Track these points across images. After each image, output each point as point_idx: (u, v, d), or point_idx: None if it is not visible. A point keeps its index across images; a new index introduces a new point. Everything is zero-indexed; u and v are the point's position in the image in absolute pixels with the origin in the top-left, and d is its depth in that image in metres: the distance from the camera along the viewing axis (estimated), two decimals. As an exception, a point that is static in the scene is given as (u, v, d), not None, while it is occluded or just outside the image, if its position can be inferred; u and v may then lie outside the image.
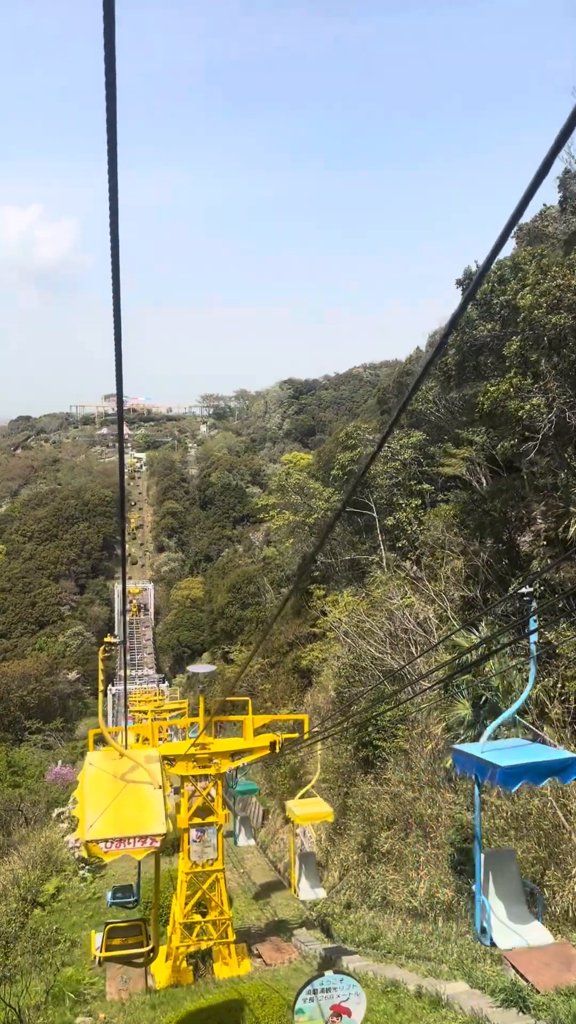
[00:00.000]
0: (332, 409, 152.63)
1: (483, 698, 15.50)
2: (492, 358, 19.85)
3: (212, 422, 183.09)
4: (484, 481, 25.31)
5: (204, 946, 17.17)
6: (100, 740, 13.56)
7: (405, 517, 32.57)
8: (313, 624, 33.13)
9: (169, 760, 16.86)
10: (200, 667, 16.99)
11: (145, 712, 31.88)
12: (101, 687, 12.61)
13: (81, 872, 24.34)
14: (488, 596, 20.69)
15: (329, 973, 8.49)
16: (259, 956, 17.78)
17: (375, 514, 34.44)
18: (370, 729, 21.19)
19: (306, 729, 18.14)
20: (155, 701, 40.90)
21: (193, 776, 16.87)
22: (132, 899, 15.42)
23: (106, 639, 12.58)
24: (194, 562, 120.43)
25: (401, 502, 33.60)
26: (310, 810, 19.04)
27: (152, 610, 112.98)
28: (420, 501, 33.39)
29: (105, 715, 13.31)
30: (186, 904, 16.80)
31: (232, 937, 17.00)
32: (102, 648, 12.57)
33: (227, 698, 19.52)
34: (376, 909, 18.41)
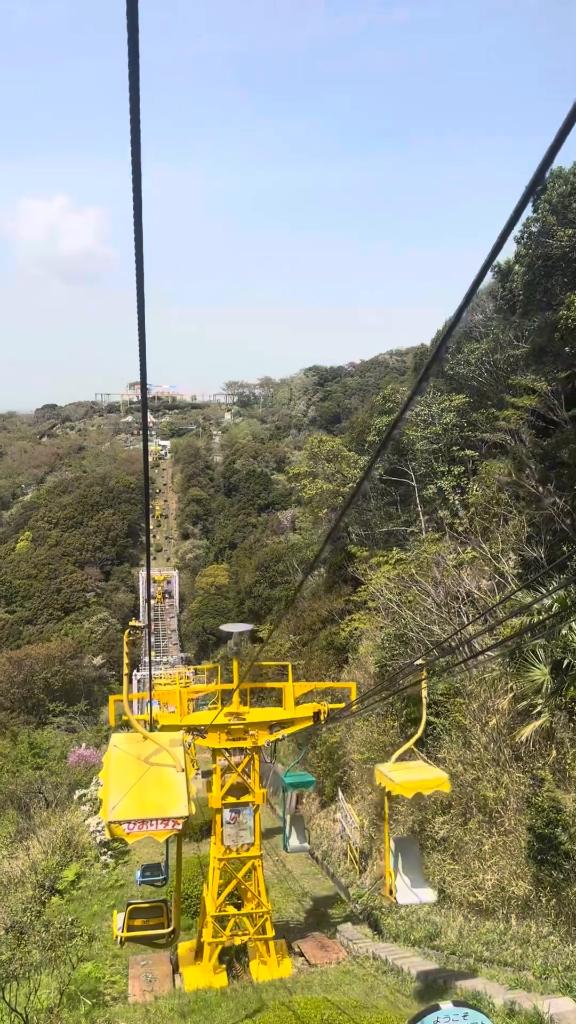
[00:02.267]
0: (357, 396, 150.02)
1: (565, 662, 13.29)
2: (570, 275, 17.47)
3: (237, 409, 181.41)
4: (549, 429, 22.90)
5: (238, 942, 15.21)
6: (124, 725, 13.54)
7: (447, 485, 30.29)
8: (352, 591, 31.02)
9: (199, 731, 14.93)
10: (235, 626, 15.00)
11: (170, 727, 30.01)
12: (126, 670, 12.06)
13: (103, 858, 22.53)
14: (557, 556, 18.41)
15: (448, 1004, 6.40)
16: (301, 954, 15.79)
17: (414, 483, 32.19)
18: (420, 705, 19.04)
19: (353, 696, 16.08)
20: (182, 680, 39.18)
21: (226, 750, 14.88)
22: (161, 878, 14.75)
23: (131, 623, 12.58)
24: (219, 549, 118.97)
25: (442, 469, 31.32)
26: (415, 776, 12.60)
27: (177, 597, 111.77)
28: (463, 468, 31.08)
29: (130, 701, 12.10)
30: (219, 895, 14.83)
31: (271, 933, 15.03)
32: (127, 632, 12.52)
33: (263, 663, 17.49)
34: (431, 903, 16.31)
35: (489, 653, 16.78)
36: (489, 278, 29.13)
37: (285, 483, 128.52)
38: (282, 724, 15.25)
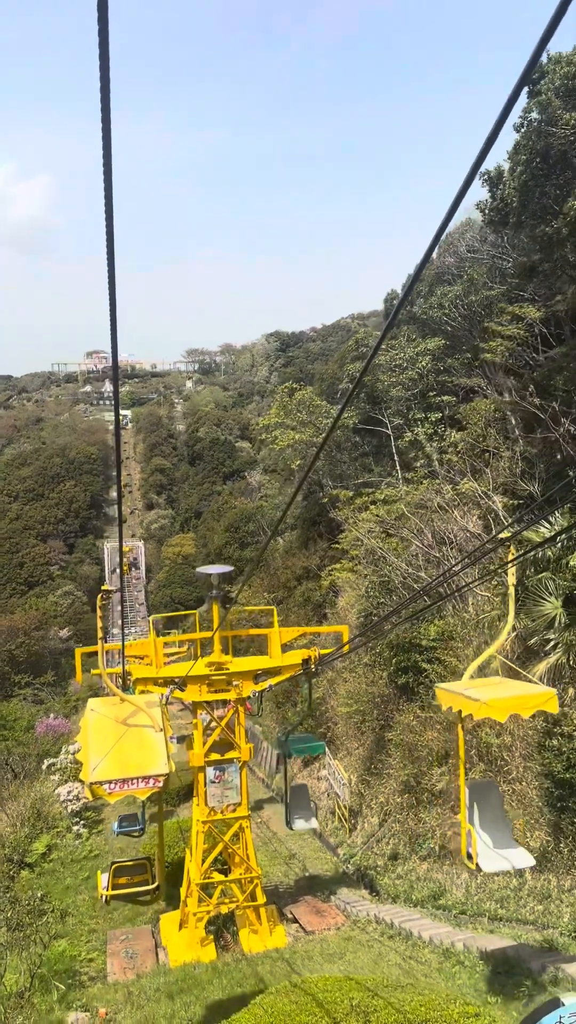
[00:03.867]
0: (320, 361, 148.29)
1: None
2: (570, 175, 16.00)
3: (198, 377, 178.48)
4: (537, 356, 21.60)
5: (225, 910, 13.96)
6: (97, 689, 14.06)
7: (424, 433, 28.98)
8: (329, 545, 29.69)
9: (178, 683, 13.48)
10: (212, 568, 13.53)
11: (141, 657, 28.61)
12: (100, 634, 12.06)
13: (75, 828, 21.14)
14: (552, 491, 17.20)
15: (572, 999, 5.08)
16: (295, 921, 14.62)
17: (389, 431, 30.84)
18: (411, 652, 17.87)
19: (345, 638, 14.77)
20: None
21: (208, 703, 13.47)
22: (138, 827, 14.91)
23: (103, 587, 12.68)
24: (185, 519, 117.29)
25: (418, 416, 29.99)
26: (507, 693, 8.84)
27: (143, 568, 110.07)
28: (440, 415, 29.78)
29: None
30: (203, 861, 13.51)
31: (261, 899, 13.80)
32: (100, 596, 12.65)
33: (247, 607, 16.07)
34: (431, 860, 15.26)
35: (479, 590, 15.59)
36: (474, 193, 27.39)
37: (250, 450, 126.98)
38: (268, 673, 13.89)
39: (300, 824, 14.56)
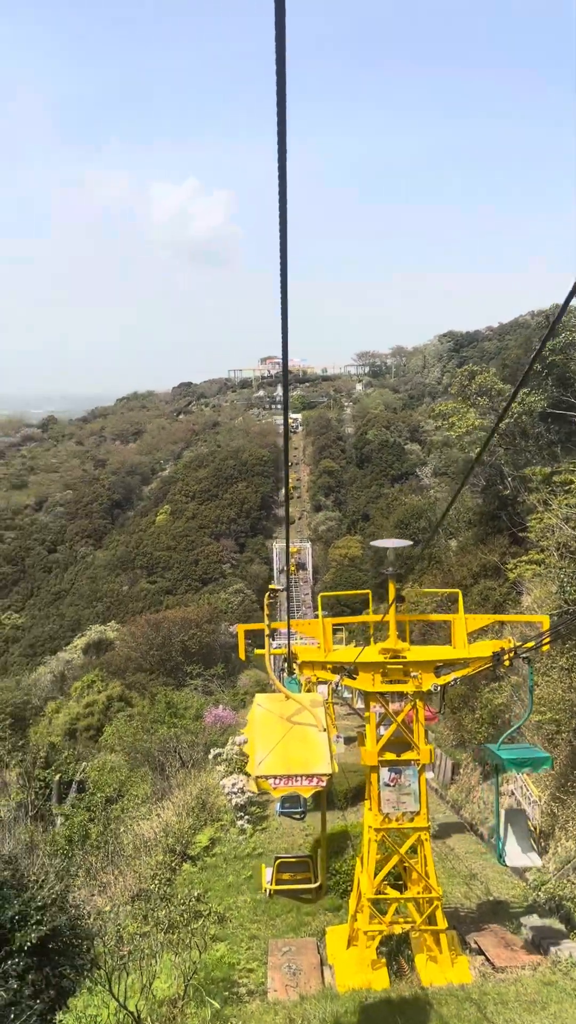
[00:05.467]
0: (496, 361, 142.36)
1: None
2: None
3: (368, 380, 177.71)
4: None
5: (399, 931, 12.34)
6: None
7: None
8: (511, 542, 27.27)
9: (348, 671, 12.08)
10: (389, 541, 12.05)
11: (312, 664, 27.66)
12: (267, 631, 12.25)
13: (239, 823, 20.33)
14: None
15: None
16: (480, 952, 12.71)
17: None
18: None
19: (546, 627, 12.71)
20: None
21: (382, 694, 11.92)
22: (300, 810, 15.02)
23: (271, 587, 13.78)
24: (352, 521, 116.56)
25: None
26: None
27: (310, 569, 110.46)
28: None
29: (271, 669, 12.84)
30: (376, 873, 11.97)
31: (442, 923, 12.03)
32: (267, 594, 13.36)
33: (427, 590, 14.42)
34: None
35: None
36: None
37: (420, 452, 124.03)
38: (451, 665, 12.15)
39: (520, 860, 11.90)
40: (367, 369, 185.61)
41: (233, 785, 21.16)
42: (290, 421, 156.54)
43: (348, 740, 27.87)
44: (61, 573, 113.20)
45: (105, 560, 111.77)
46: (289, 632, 11.16)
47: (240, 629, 13.88)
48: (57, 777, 26.83)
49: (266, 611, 13.10)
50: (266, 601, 13.53)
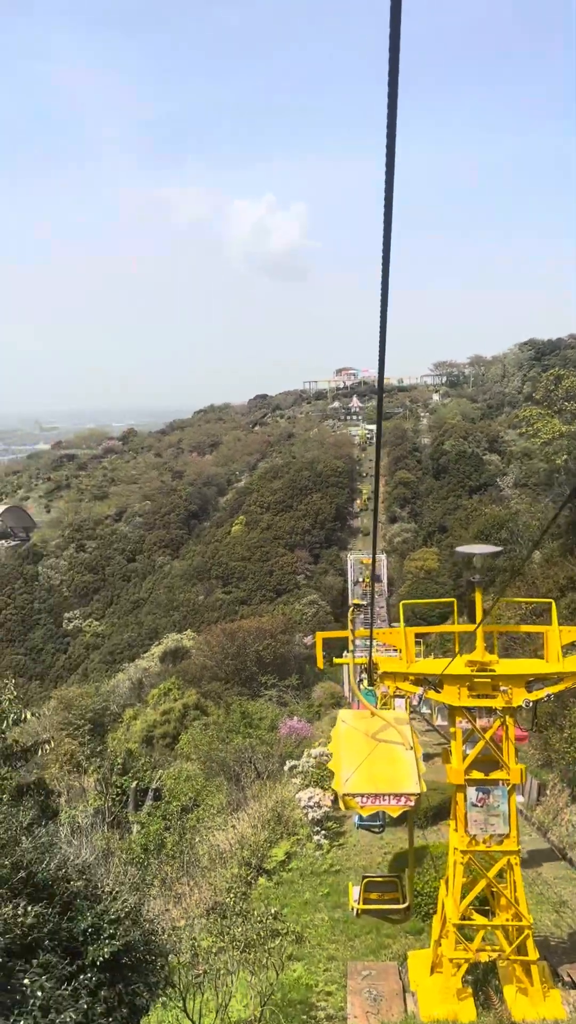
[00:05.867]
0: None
1: None
2: None
3: (445, 390, 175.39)
4: None
5: (486, 959, 11.65)
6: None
7: None
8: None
9: (432, 683, 11.52)
10: (476, 547, 11.48)
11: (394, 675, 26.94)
12: (351, 646, 12.79)
13: (316, 838, 19.85)
14: None
15: None
16: (574, 986, 11.87)
17: None
18: None
19: None
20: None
21: (468, 709, 11.32)
22: (379, 823, 14.78)
23: (354, 601, 13.72)
24: (428, 533, 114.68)
25: None
26: None
27: (385, 581, 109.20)
28: None
29: (347, 681, 11.81)
30: (462, 898, 11.34)
31: (533, 954, 11.30)
32: (351, 609, 13.25)
33: (516, 599, 13.73)
34: None
35: None
36: None
37: (499, 463, 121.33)
38: (543, 680, 11.45)
39: None
40: (444, 379, 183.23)
41: (309, 799, 20.71)
42: (365, 432, 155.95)
43: (426, 757, 27.06)
44: (139, 582, 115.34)
45: (182, 570, 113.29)
46: (371, 641, 10.73)
47: (318, 637, 13.58)
48: (134, 784, 26.93)
49: (350, 627, 12.94)
50: (350, 616, 13.43)
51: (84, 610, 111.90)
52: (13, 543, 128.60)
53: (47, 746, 10.95)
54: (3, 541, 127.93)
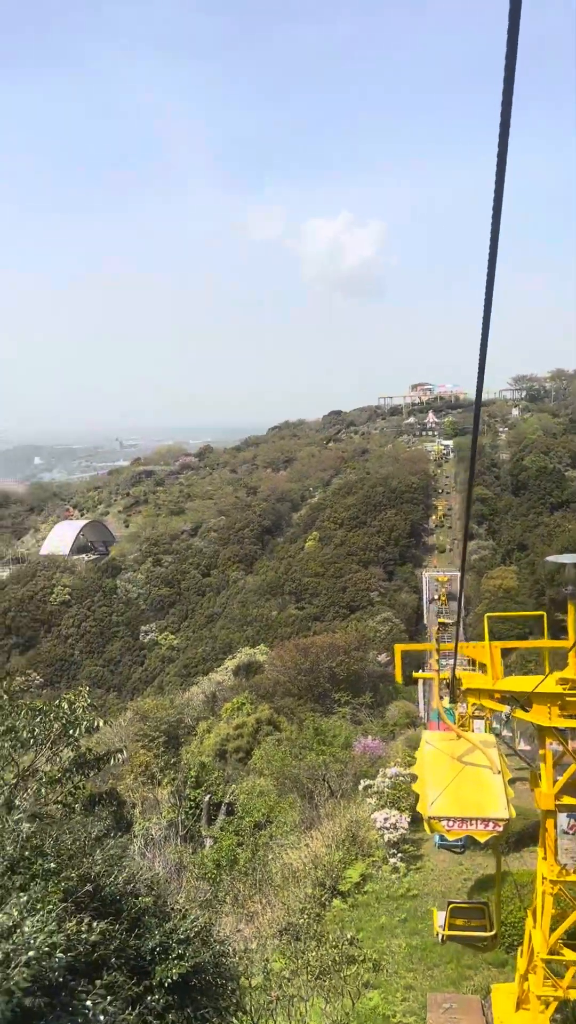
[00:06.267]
0: None
1: None
2: None
3: (525, 405, 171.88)
4: None
5: (575, 996, 10.83)
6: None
7: None
8: None
9: (519, 701, 10.86)
10: (569, 556, 10.79)
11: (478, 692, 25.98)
12: (435, 665, 12.38)
13: (392, 860, 19.20)
14: None
15: None
16: None
17: None
18: None
19: None
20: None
21: (560, 730, 10.61)
22: (460, 844, 14.61)
23: (440, 620, 13.49)
24: (506, 551, 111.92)
25: None
26: None
27: (462, 599, 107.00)
28: None
29: (422, 700, 11.59)
30: (551, 931, 10.58)
31: (631, 997, 10.42)
32: (436, 628, 13.27)
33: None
34: None
35: None
36: None
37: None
38: None
39: None
40: (524, 394, 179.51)
41: (385, 820, 20.07)
42: (441, 448, 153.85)
43: (510, 781, 26.04)
44: (214, 596, 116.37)
45: (255, 585, 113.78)
46: (455, 655, 10.22)
47: (397, 650, 13.10)
48: (207, 798, 26.78)
49: (435, 646, 12.75)
50: (435, 635, 13.37)
51: (160, 623, 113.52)
52: (93, 556, 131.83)
53: (119, 755, 10.77)
54: (84, 555, 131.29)
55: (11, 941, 3.24)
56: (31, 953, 3.21)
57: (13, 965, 3.13)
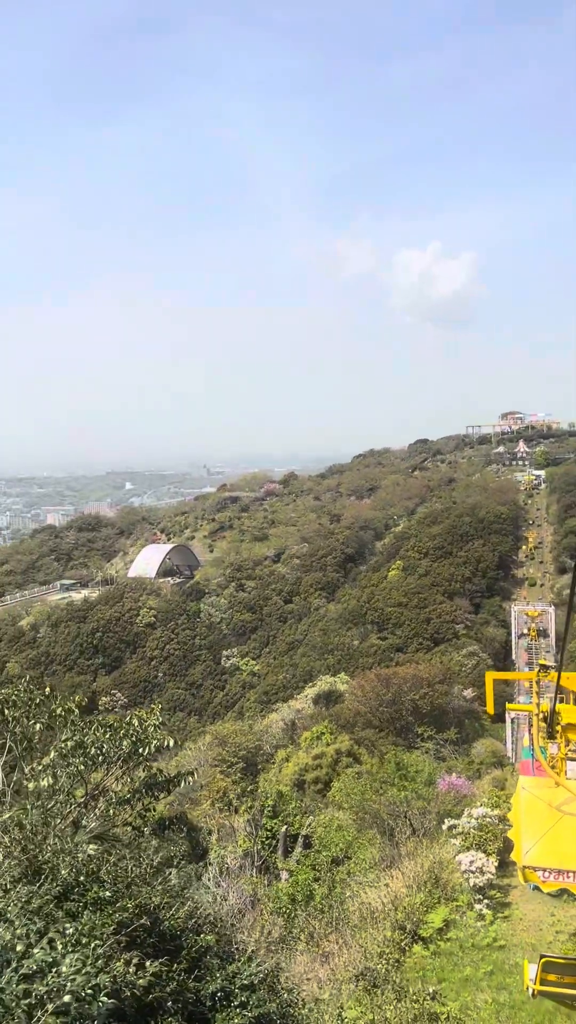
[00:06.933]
0: None
1: None
2: None
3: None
4: None
5: None
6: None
7: None
8: None
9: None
10: None
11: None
12: (536, 709, 11.87)
13: (478, 907, 18.01)
14: None
15: None
16: None
17: None
18: None
19: None
20: None
21: None
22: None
23: (540, 662, 13.20)
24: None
25: None
26: None
27: (553, 636, 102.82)
28: None
29: (510, 739, 10.77)
30: None
31: None
32: (538, 671, 12.94)
33: None
34: None
35: None
36: None
37: None
38: None
39: None
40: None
41: (471, 863, 18.92)
42: (532, 478, 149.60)
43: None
44: (295, 623, 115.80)
45: (337, 613, 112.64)
46: (557, 686, 9.42)
47: (488, 677, 12.42)
48: (283, 829, 26.11)
49: (535, 688, 12.39)
50: (535, 678, 13.04)
51: (241, 648, 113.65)
52: (178, 580, 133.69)
53: (191, 777, 10.34)
54: (169, 578, 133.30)
55: (44, 982, 2.81)
56: (66, 998, 2.78)
57: (42, 1012, 2.70)
